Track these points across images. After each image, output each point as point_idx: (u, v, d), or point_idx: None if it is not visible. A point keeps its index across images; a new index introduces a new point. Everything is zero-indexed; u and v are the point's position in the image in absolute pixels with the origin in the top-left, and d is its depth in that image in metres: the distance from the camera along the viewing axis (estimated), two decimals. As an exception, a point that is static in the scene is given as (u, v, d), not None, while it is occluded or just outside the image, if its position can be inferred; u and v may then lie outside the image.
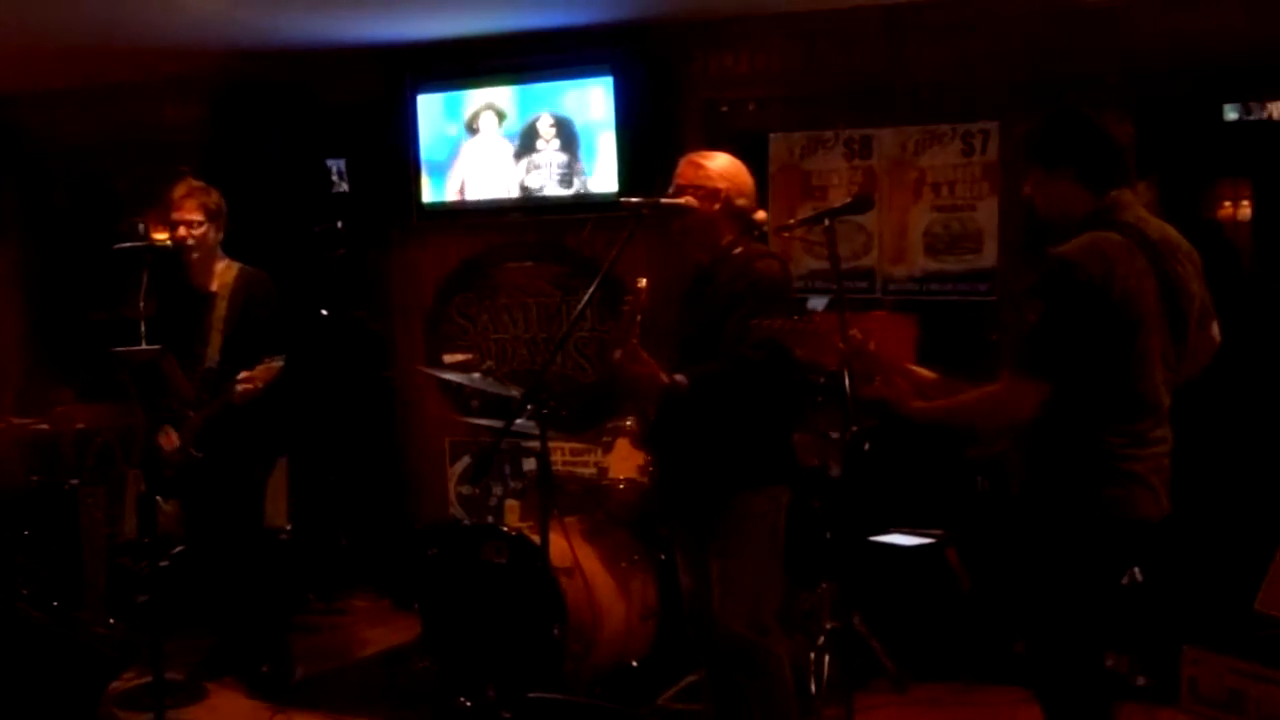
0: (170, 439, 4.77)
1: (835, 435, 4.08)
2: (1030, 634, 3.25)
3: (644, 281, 3.67)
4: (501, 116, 6.11)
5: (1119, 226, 3.06)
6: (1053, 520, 3.08)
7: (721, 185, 3.75)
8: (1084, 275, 2.96)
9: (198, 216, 4.82)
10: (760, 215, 3.85)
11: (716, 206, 3.75)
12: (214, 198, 4.87)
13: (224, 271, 4.90)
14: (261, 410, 4.70)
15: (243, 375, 4.59)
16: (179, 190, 4.87)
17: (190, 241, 4.82)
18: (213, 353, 4.80)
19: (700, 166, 3.80)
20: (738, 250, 3.76)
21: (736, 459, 3.71)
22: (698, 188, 3.76)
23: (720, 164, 3.81)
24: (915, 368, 3.30)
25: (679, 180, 3.81)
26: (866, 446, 4.69)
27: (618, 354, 3.65)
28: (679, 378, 3.65)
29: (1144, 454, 3.06)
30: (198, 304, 4.87)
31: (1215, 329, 3.31)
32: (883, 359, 3.24)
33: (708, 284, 3.77)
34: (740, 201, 3.77)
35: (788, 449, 3.85)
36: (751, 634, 3.70)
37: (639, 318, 3.61)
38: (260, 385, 4.59)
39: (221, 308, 4.83)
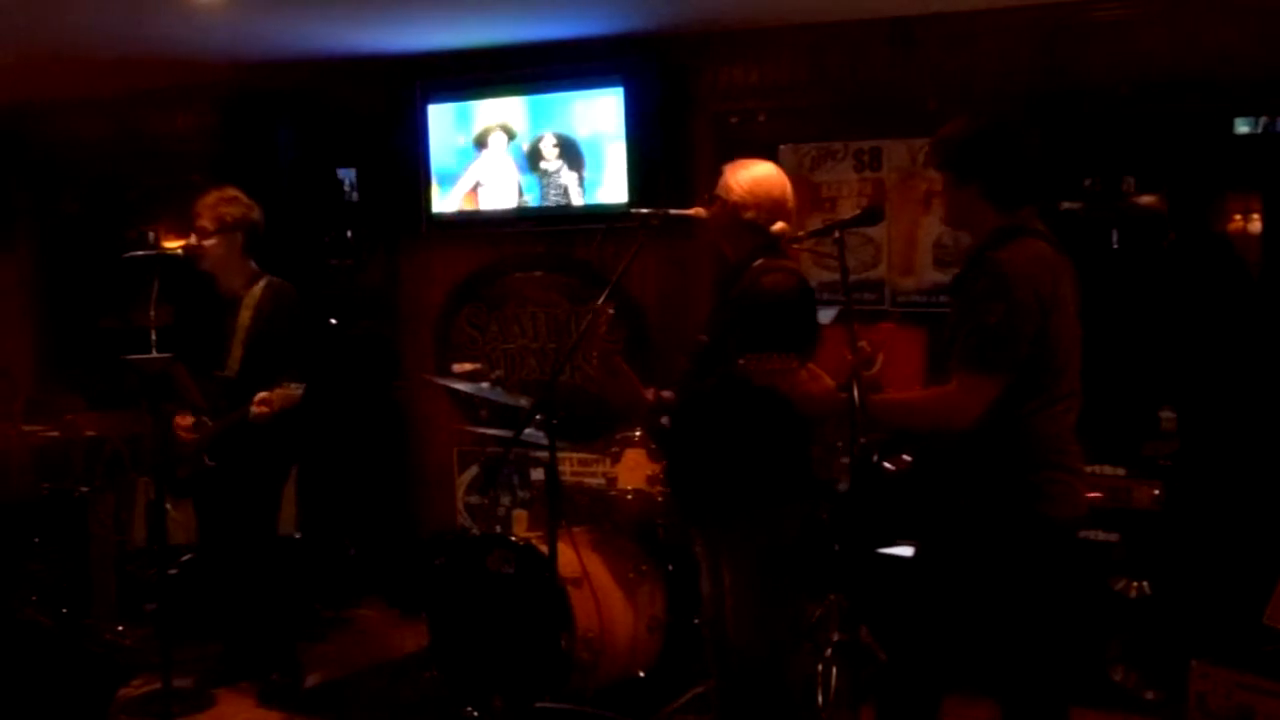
0: (185, 420, 4.80)
1: (842, 446, 4.06)
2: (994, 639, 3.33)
3: (611, 307, 3.69)
4: (511, 135, 6.12)
5: (1040, 235, 3.20)
6: (993, 524, 3.16)
7: (733, 197, 3.70)
8: (1035, 281, 3.09)
9: (209, 226, 4.84)
10: (778, 227, 3.71)
11: (724, 218, 3.73)
12: (235, 210, 4.87)
13: (253, 282, 4.91)
14: (275, 427, 4.66)
15: (259, 397, 4.57)
16: (205, 198, 4.89)
17: (197, 248, 4.84)
18: (232, 362, 4.82)
19: (721, 174, 3.77)
20: (757, 263, 3.69)
21: (751, 474, 3.67)
22: (715, 196, 3.75)
23: (743, 174, 3.73)
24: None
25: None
26: (875, 458, 4.68)
27: (596, 366, 3.67)
28: (665, 394, 3.64)
29: (1076, 450, 3.18)
30: (223, 310, 4.90)
31: None
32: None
33: (725, 293, 3.76)
34: (748, 214, 3.68)
35: (804, 465, 3.80)
36: (758, 648, 3.69)
37: (602, 331, 3.61)
38: (275, 409, 4.57)
39: (245, 317, 4.83)
